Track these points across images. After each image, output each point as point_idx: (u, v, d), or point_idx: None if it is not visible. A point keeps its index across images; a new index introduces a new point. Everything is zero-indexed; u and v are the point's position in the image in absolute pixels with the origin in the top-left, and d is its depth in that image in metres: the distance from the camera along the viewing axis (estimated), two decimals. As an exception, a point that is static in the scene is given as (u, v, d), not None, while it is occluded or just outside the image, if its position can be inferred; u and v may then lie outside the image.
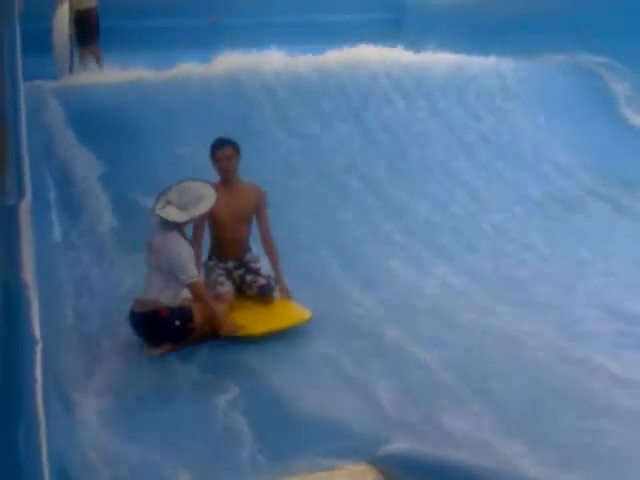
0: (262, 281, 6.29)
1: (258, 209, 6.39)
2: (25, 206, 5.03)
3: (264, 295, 6.25)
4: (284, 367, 5.46)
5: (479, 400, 4.96)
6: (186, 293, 5.86)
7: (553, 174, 9.98)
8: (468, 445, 4.43)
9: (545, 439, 4.52)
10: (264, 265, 6.43)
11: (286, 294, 6.31)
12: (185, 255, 5.64)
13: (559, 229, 8.58)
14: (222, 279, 6.22)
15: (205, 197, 5.68)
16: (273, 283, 6.30)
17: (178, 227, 5.66)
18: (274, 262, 6.43)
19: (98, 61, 11.93)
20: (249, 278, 6.32)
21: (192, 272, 5.67)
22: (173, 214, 5.58)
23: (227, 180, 6.23)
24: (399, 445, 4.35)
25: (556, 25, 12.73)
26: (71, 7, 11.54)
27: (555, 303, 6.59)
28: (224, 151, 6.22)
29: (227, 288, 6.19)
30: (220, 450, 4.42)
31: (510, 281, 7.10)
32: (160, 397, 5.04)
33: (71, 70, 11.45)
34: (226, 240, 6.31)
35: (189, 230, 5.97)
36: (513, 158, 10.19)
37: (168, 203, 5.59)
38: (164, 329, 5.63)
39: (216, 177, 6.26)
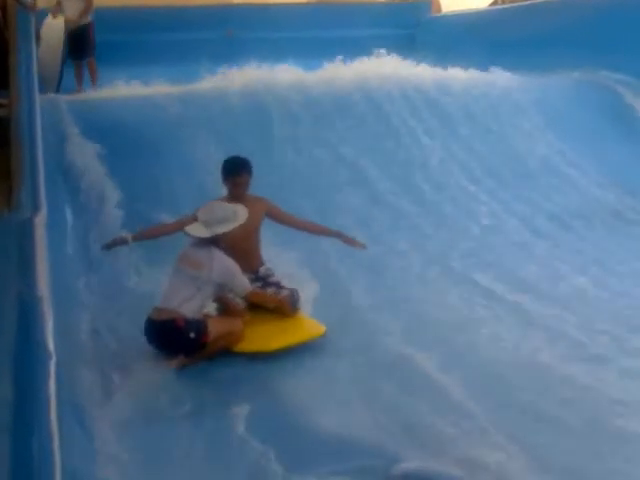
0: (285, 293, 6.24)
1: (272, 214, 6.46)
2: (40, 219, 5.05)
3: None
4: (297, 382, 5.43)
5: (495, 421, 4.89)
6: (210, 308, 5.97)
7: (570, 191, 9.92)
8: (482, 465, 4.39)
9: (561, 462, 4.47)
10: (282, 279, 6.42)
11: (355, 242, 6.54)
12: (238, 269, 5.80)
13: (574, 246, 8.50)
14: (232, 295, 6.18)
15: (230, 219, 5.79)
16: (296, 295, 6.26)
17: (214, 242, 5.77)
18: (320, 228, 6.70)
19: (93, 77, 12.14)
20: (271, 291, 6.27)
21: (246, 284, 5.87)
22: (197, 230, 5.75)
23: (238, 199, 6.24)
24: (412, 464, 4.33)
25: (573, 41, 12.68)
26: (66, 23, 11.60)
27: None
28: (242, 178, 6.28)
29: (238, 301, 6.15)
30: (234, 467, 4.41)
31: (532, 302, 6.95)
32: (176, 412, 5.01)
33: (58, 88, 11.42)
34: (239, 254, 6.29)
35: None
36: (528, 175, 10.14)
37: (195, 220, 5.81)
38: (178, 339, 5.62)
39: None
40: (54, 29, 11.66)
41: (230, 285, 5.81)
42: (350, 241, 6.56)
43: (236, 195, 6.26)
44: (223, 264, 5.73)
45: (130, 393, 5.16)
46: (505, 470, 4.34)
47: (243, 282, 5.86)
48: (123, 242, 6.23)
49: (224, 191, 6.39)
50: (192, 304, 5.67)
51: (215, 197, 6.33)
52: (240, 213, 5.87)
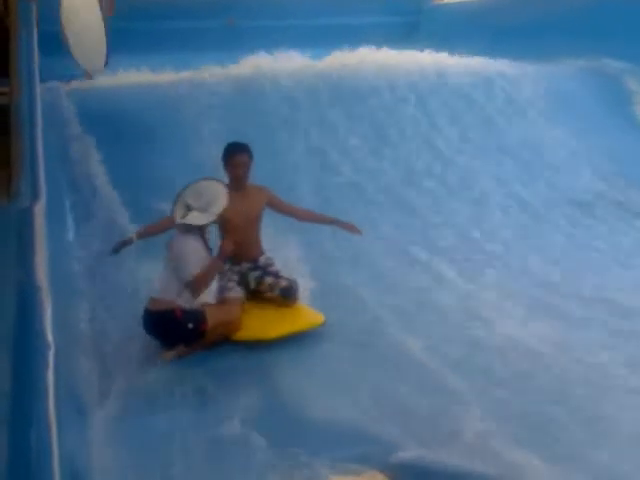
0: (284, 283, 6.21)
1: (272, 204, 6.39)
2: (39, 208, 5.04)
3: (287, 297, 6.17)
4: (297, 371, 5.44)
5: (490, 408, 4.92)
6: (205, 297, 5.89)
7: (571, 179, 9.92)
8: (479, 453, 4.40)
9: (556, 450, 4.48)
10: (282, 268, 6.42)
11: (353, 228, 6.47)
12: (192, 256, 5.61)
13: (575, 234, 8.50)
14: (231, 284, 6.16)
15: (219, 194, 5.71)
16: (295, 285, 6.24)
17: (200, 229, 5.71)
18: (318, 217, 6.66)
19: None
20: (269, 280, 6.26)
21: (190, 272, 5.59)
22: (197, 218, 5.64)
23: (239, 185, 6.18)
24: (410, 452, 4.35)
25: (576, 29, 12.65)
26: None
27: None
28: (241, 157, 6.15)
29: (235, 294, 6.12)
30: (233, 456, 4.42)
31: (532, 289, 6.98)
32: (174, 402, 5.03)
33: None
34: (240, 243, 6.29)
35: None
36: (530, 163, 10.14)
37: (189, 209, 5.65)
38: (177, 330, 5.61)
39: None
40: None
41: (178, 265, 5.59)
42: (347, 227, 6.53)
43: (237, 179, 6.14)
44: (181, 247, 5.61)
45: (128, 383, 5.18)
46: (502, 458, 4.36)
47: (188, 270, 5.59)
48: (129, 242, 6.18)
49: (225, 180, 6.35)
50: (186, 294, 5.64)
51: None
52: (220, 188, 5.75)
